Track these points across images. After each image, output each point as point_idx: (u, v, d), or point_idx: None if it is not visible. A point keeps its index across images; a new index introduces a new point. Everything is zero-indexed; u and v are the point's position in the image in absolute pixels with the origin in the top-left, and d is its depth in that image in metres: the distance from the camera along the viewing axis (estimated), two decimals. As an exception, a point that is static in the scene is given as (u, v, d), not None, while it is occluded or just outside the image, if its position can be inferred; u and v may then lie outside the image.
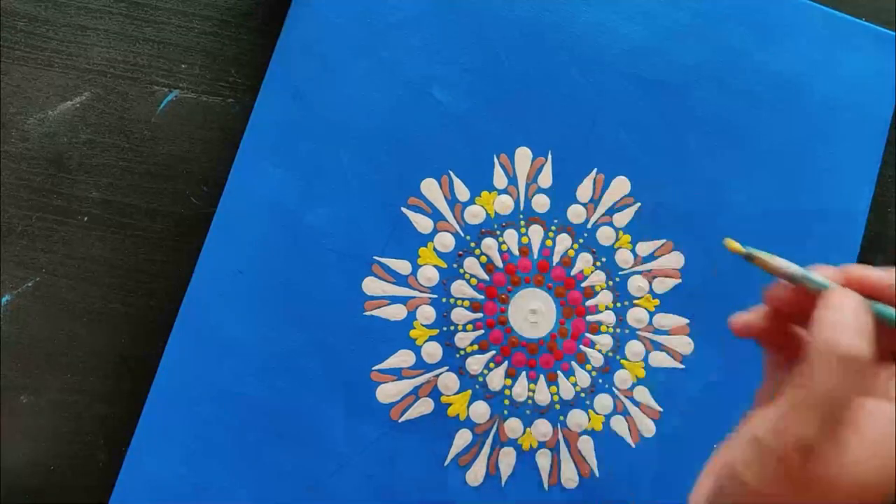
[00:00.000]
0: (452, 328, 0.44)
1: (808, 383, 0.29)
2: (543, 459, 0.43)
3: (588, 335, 0.44)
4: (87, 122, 0.44)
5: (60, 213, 0.43)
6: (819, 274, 0.32)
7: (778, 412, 0.30)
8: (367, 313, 0.43)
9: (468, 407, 0.43)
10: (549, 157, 0.45)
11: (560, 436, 0.44)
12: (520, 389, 0.43)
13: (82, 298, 0.43)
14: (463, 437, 0.43)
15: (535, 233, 0.45)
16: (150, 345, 0.43)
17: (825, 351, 0.29)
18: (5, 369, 0.42)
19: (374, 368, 0.43)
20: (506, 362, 0.44)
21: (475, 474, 0.43)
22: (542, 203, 0.45)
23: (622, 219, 0.45)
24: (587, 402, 0.44)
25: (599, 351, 0.44)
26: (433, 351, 0.43)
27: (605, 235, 0.45)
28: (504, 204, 0.44)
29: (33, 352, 0.43)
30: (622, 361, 0.44)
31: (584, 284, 0.44)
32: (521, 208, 0.45)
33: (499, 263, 0.44)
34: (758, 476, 0.30)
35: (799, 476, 0.29)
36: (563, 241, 0.45)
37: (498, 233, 0.44)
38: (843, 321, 0.29)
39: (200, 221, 0.44)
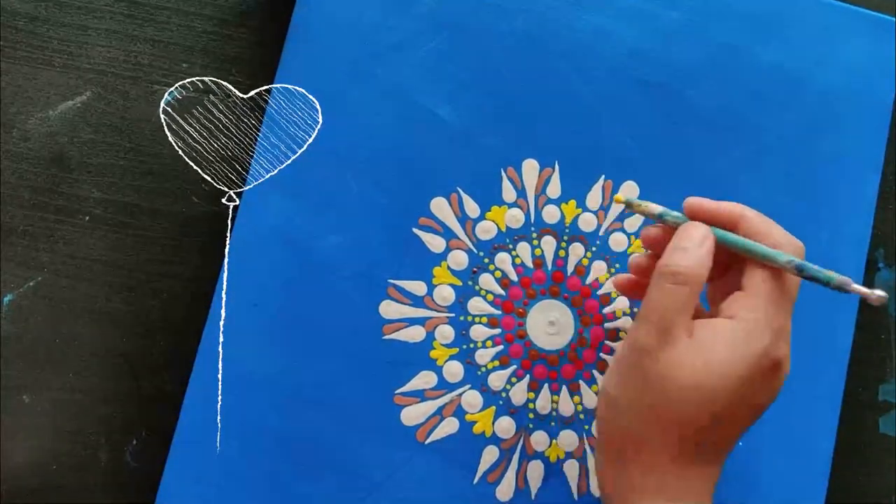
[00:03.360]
0: (472, 345, 0.44)
1: (648, 300, 0.35)
2: (571, 469, 0.43)
3: (608, 342, 0.44)
4: (88, 121, 0.44)
5: (62, 212, 0.43)
6: (676, 212, 0.38)
7: (630, 329, 0.36)
8: (387, 337, 0.43)
9: (493, 423, 0.43)
10: (557, 167, 0.45)
11: (586, 445, 0.44)
12: (543, 402, 0.43)
13: (84, 298, 0.43)
14: (490, 454, 0.43)
15: (548, 244, 0.44)
16: (151, 344, 0.43)
17: (660, 273, 0.35)
18: (6, 368, 0.42)
19: (396, 392, 0.43)
20: (527, 376, 0.44)
21: (505, 490, 0.43)
22: (552, 214, 0.45)
23: (633, 223, 0.45)
24: (611, 410, 0.44)
25: (620, 357, 0.44)
26: (454, 370, 0.43)
27: (617, 242, 0.45)
28: (515, 217, 0.44)
29: (35, 351, 0.43)
30: (643, 366, 0.44)
31: (599, 292, 0.44)
32: (532, 220, 0.44)
33: (514, 277, 0.44)
34: (616, 385, 0.35)
35: (641, 375, 0.34)
36: (577, 251, 0.44)
37: (511, 247, 0.44)
38: (680, 247, 0.35)
39: (202, 220, 0.44)
